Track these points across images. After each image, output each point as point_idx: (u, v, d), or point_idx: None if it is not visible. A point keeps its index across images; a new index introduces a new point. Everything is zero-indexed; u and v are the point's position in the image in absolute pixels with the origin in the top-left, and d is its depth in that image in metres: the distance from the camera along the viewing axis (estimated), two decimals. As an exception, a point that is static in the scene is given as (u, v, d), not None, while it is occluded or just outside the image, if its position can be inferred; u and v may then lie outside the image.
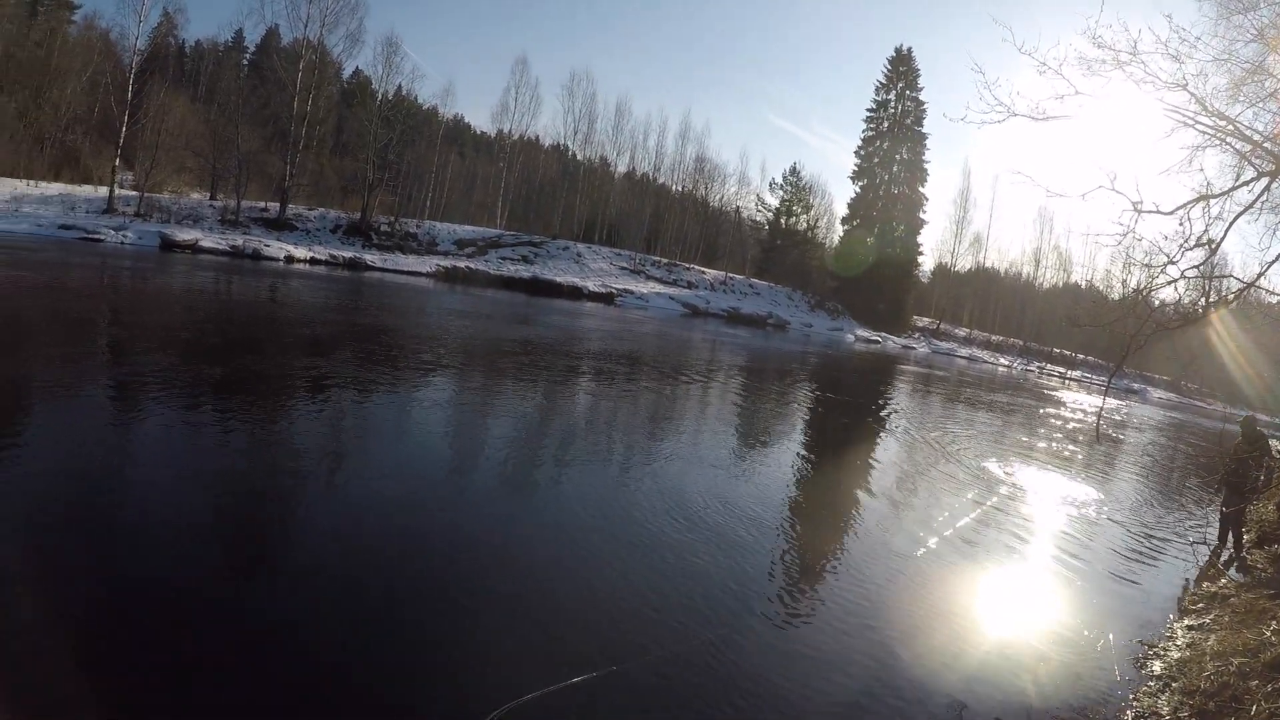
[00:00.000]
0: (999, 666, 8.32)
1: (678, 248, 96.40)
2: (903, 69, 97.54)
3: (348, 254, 55.65)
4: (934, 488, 16.63)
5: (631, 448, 15.20)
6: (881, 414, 28.00)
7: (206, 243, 47.96)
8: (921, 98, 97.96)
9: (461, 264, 61.74)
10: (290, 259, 50.38)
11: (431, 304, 36.35)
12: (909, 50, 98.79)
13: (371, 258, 56.73)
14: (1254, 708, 7.33)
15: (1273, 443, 17.28)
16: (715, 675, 6.89)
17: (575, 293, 63.05)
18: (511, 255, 69.38)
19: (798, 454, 17.85)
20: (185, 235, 47.81)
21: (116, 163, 55.14)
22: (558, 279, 64.52)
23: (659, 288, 74.23)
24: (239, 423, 12.30)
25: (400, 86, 78.59)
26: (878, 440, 20.66)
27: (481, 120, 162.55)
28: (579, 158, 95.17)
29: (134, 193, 54.61)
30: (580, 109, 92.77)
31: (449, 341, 22.62)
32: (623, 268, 76.61)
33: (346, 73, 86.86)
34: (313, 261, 51.69)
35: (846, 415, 25.96)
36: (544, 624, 7.25)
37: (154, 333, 18.81)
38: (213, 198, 63.53)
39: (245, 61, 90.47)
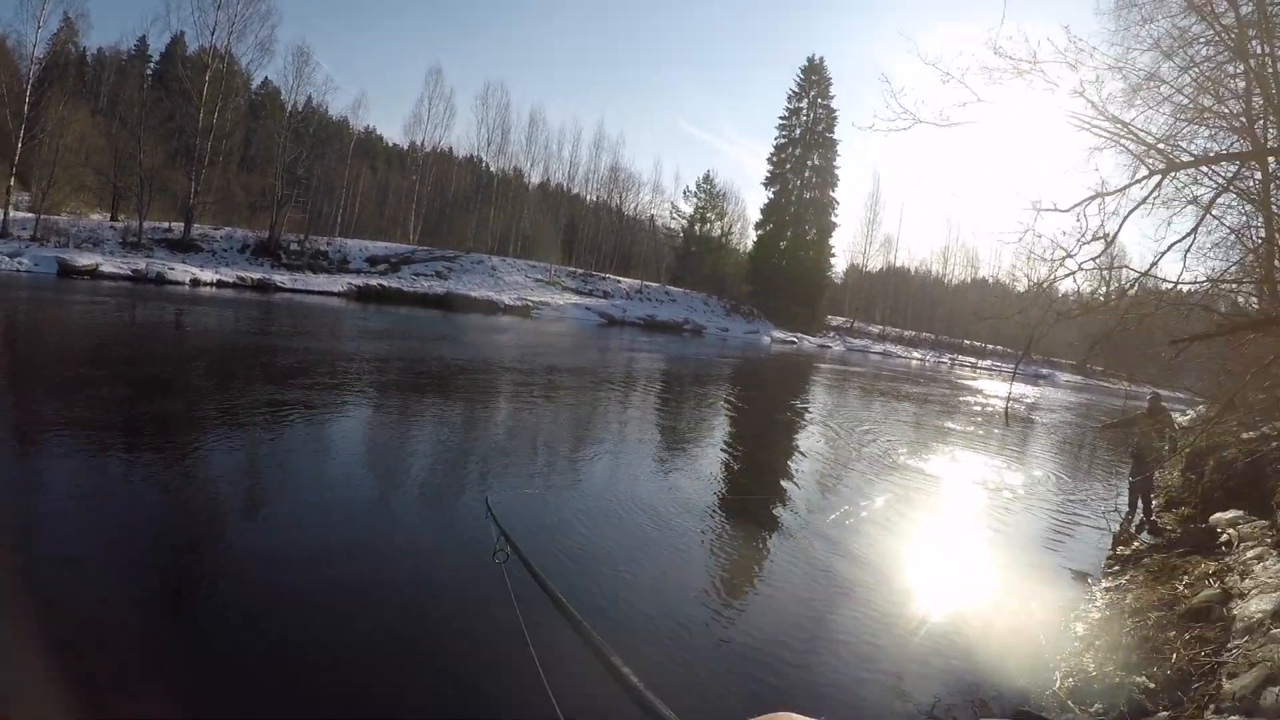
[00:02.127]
0: (930, 641, 8.54)
1: (593, 258, 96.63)
2: (815, 78, 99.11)
3: (256, 275, 54.07)
4: (857, 476, 16.98)
5: (554, 461, 15.03)
6: (802, 410, 28.37)
7: (107, 267, 46.54)
8: (833, 106, 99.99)
9: (374, 282, 60.68)
10: (196, 282, 48.90)
11: (343, 326, 35.45)
12: (821, 60, 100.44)
13: (281, 278, 55.26)
14: (1174, 656, 7.77)
15: (1175, 416, 18.04)
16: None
17: (491, 307, 62.74)
18: (425, 271, 68.63)
19: (722, 454, 17.93)
20: (84, 260, 46.20)
21: (11, 183, 52.04)
22: (473, 294, 64.05)
23: (575, 298, 74.39)
24: (142, 472, 10.95)
25: (311, 98, 76.12)
26: (800, 436, 20.95)
27: (394, 132, 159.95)
28: (493, 169, 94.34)
29: (30, 215, 52.34)
30: (494, 120, 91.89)
31: (363, 367, 22.10)
32: (538, 280, 76.40)
33: (255, 83, 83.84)
34: (220, 285, 50.23)
35: (767, 414, 26.24)
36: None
37: (43, 370, 17.90)
38: (113, 218, 61.35)
39: (149, 71, 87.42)
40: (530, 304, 66.04)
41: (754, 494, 14.47)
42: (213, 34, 63.41)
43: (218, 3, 63.16)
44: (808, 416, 26.47)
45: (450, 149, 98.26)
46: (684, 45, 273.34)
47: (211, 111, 62.26)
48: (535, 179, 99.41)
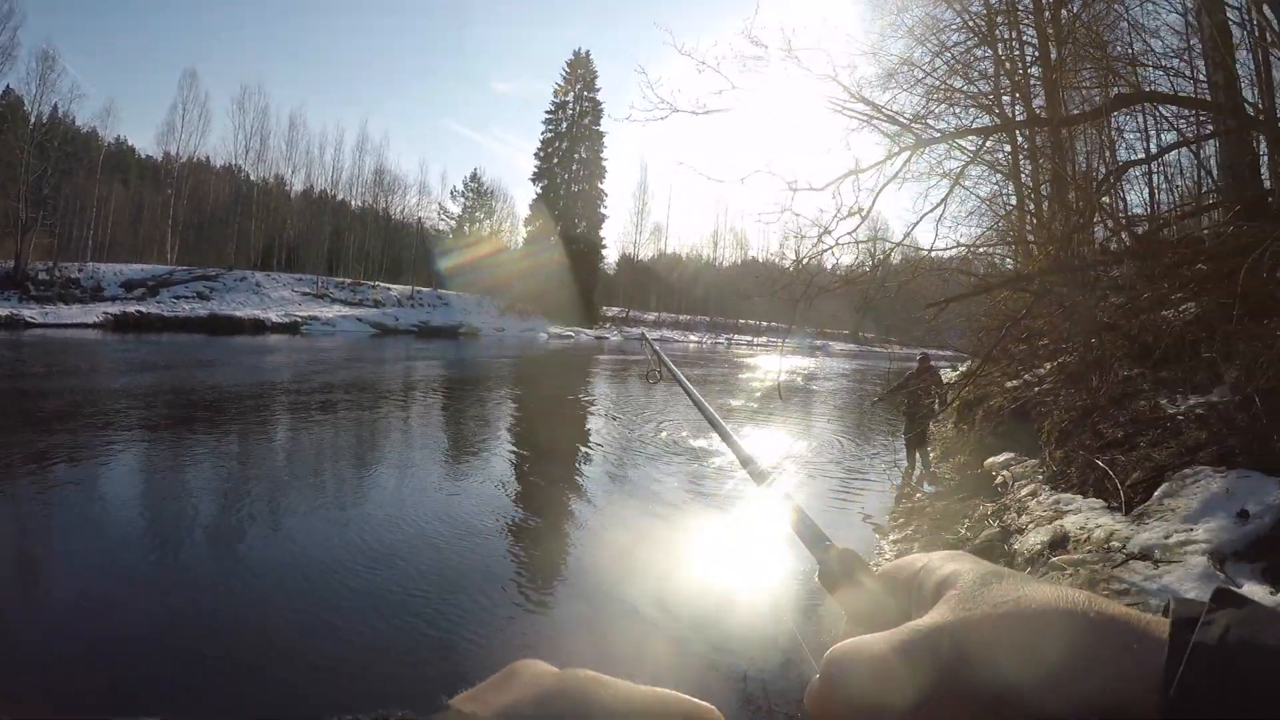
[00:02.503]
0: (737, 606, 8.81)
1: (361, 266, 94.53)
2: (580, 71, 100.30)
3: (2, 311, 49.71)
4: (645, 461, 17.19)
5: (341, 487, 14.64)
6: (585, 404, 28.69)
7: None
8: (599, 98, 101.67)
9: (132, 309, 57.53)
10: None
11: (102, 361, 33.13)
12: (586, 53, 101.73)
13: (30, 313, 51.33)
14: None
15: (945, 372, 19.05)
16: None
17: (258, 326, 60.76)
18: (185, 293, 65.91)
19: (509, 456, 17.74)
20: None
21: None
22: (238, 314, 61.91)
23: (345, 310, 73.01)
24: None
25: (57, 107, 70.87)
26: (585, 429, 20.99)
27: (146, 142, 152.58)
28: (252, 178, 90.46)
29: None
30: (252, 125, 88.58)
31: (129, 404, 20.75)
32: (305, 293, 74.83)
33: None
34: None
35: (551, 410, 26.20)
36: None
37: None
38: None
39: None
40: (299, 320, 64.42)
41: (545, 490, 14.52)
42: (-55, 39, 58.02)
43: (-50, 4, 58.24)
44: (591, 409, 26.66)
45: (207, 158, 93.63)
46: (448, 44, 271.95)
47: (-58, 126, 56.61)
48: (298, 186, 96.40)
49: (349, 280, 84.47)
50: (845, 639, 0.64)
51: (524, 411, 25.59)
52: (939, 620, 0.57)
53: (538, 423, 22.86)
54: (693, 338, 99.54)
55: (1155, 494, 8.45)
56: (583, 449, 18.54)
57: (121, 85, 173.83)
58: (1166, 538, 7.33)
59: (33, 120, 67.92)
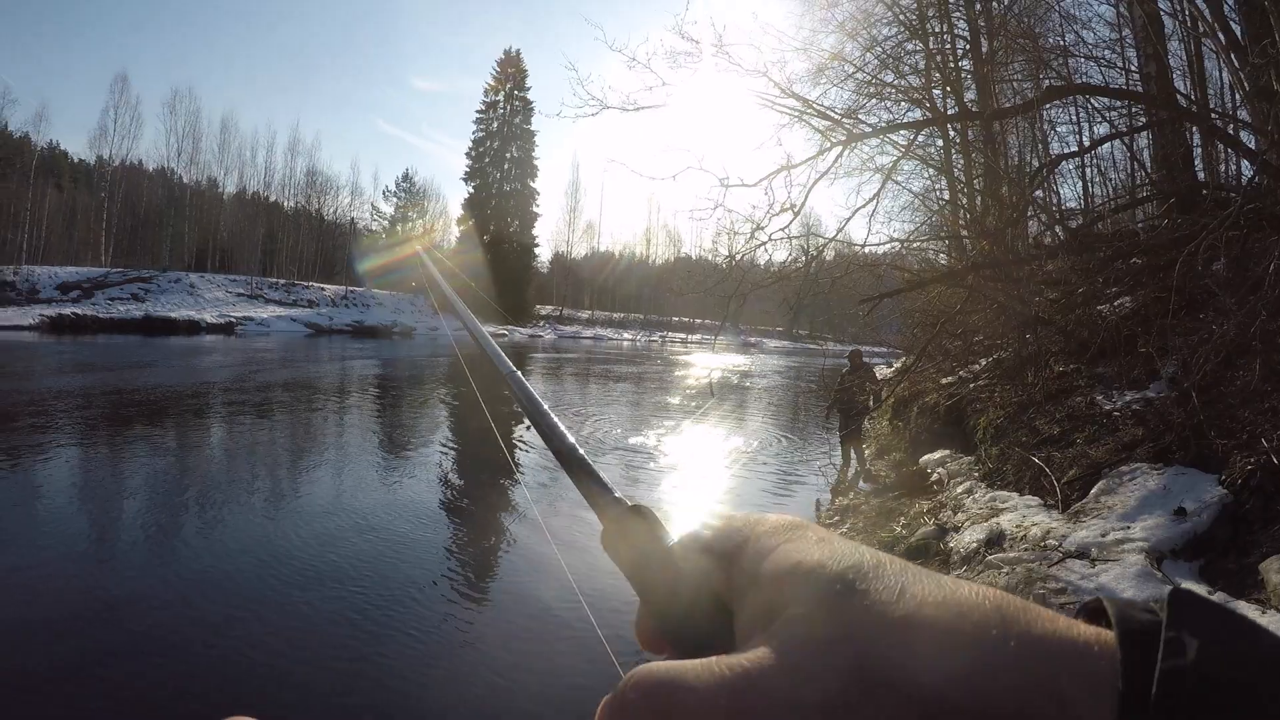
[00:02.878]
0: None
1: (295, 266, 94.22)
2: (511, 70, 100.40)
3: None
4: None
5: (278, 490, 14.37)
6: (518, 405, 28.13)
7: None
8: (530, 97, 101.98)
9: (68, 311, 56.42)
10: None
11: (38, 363, 32.92)
12: (517, 52, 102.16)
13: None
14: None
15: (877, 370, 19.07)
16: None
17: (193, 327, 59.70)
18: (120, 295, 64.75)
19: (446, 455, 17.51)
20: None
21: None
22: (173, 315, 60.71)
23: (280, 310, 72.27)
24: None
25: None
26: (520, 429, 20.86)
27: (79, 146, 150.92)
28: (185, 180, 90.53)
29: None
30: (184, 128, 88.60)
31: (66, 405, 20.62)
32: (240, 294, 73.86)
33: None
34: None
35: (486, 409, 25.91)
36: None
37: None
38: None
39: None
40: (234, 320, 63.43)
41: (482, 490, 14.39)
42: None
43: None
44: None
45: (140, 161, 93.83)
46: (378, 42, 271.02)
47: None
48: (230, 188, 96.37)
49: (283, 281, 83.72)
50: (645, 632, 0.59)
51: (462, 412, 25.36)
52: (783, 664, 0.43)
53: (476, 424, 22.63)
54: (627, 335, 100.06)
55: (1092, 491, 8.45)
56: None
57: (53, 90, 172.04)
58: (1103, 535, 7.31)
59: (-36, 126, 66.43)
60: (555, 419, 0.86)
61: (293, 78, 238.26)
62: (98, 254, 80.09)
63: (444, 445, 18.91)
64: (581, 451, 0.79)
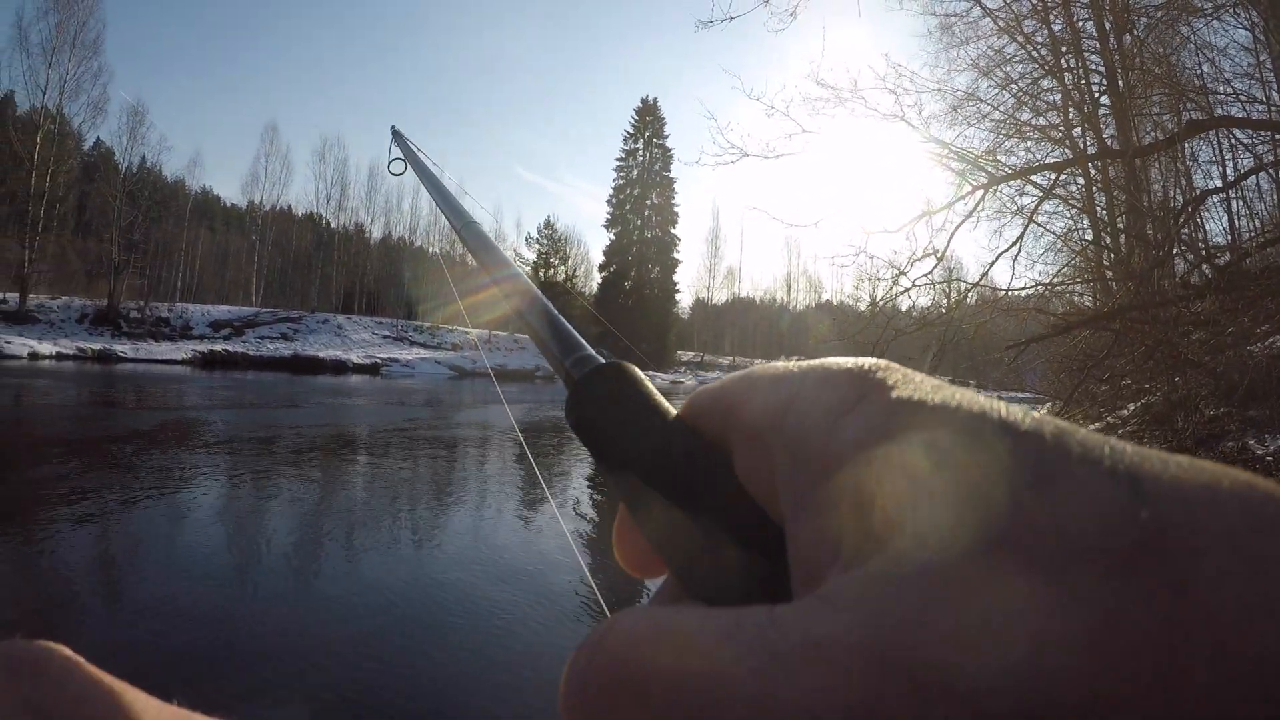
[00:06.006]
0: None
1: (440, 310, 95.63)
2: (649, 118, 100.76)
3: (97, 346, 51.70)
4: None
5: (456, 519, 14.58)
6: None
7: (-64, 344, 44.03)
8: (668, 145, 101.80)
9: (219, 347, 58.48)
10: (35, 356, 46.21)
11: (189, 396, 33.57)
12: (654, 100, 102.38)
13: (123, 348, 52.77)
14: None
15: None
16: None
17: (340, 367, 61.30)
18: (270, 334, 67.00)
19: (577, 508, 17.56)
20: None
21: None
22: (320, 354, 62.30)
23: (424, 353, 73.59)
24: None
25: (145, 158, 73.72)
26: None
27: (231, 192, 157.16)
28: (333, 225, 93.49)
29: None
30: (332, 175, 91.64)
31: (215, 440, 21.10)
32: (385, 336, 75.74)
33: (87, 144, 79.91)
34: (60, 357, 47.57)
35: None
36: None
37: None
38: (-61, 291, 57.50)
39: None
40: (379, 361, 65.02)
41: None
42: (44, 93, 61.33)
43: (48, 60, 61.03)
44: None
45: (289, 206, 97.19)
46: (519, 93, 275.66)
47: (44, 175, 59.74)
48: (377, 233, 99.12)
49: (428, 324, 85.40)
50: (628, 545, 0.45)
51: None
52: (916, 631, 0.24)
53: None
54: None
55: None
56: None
57: (206, 138, 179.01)
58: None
59: (124, 170, 70.90)
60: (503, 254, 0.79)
61: (434, 124, 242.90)
62: (249, 294, 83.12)
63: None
64: (540, 293, 0.69)
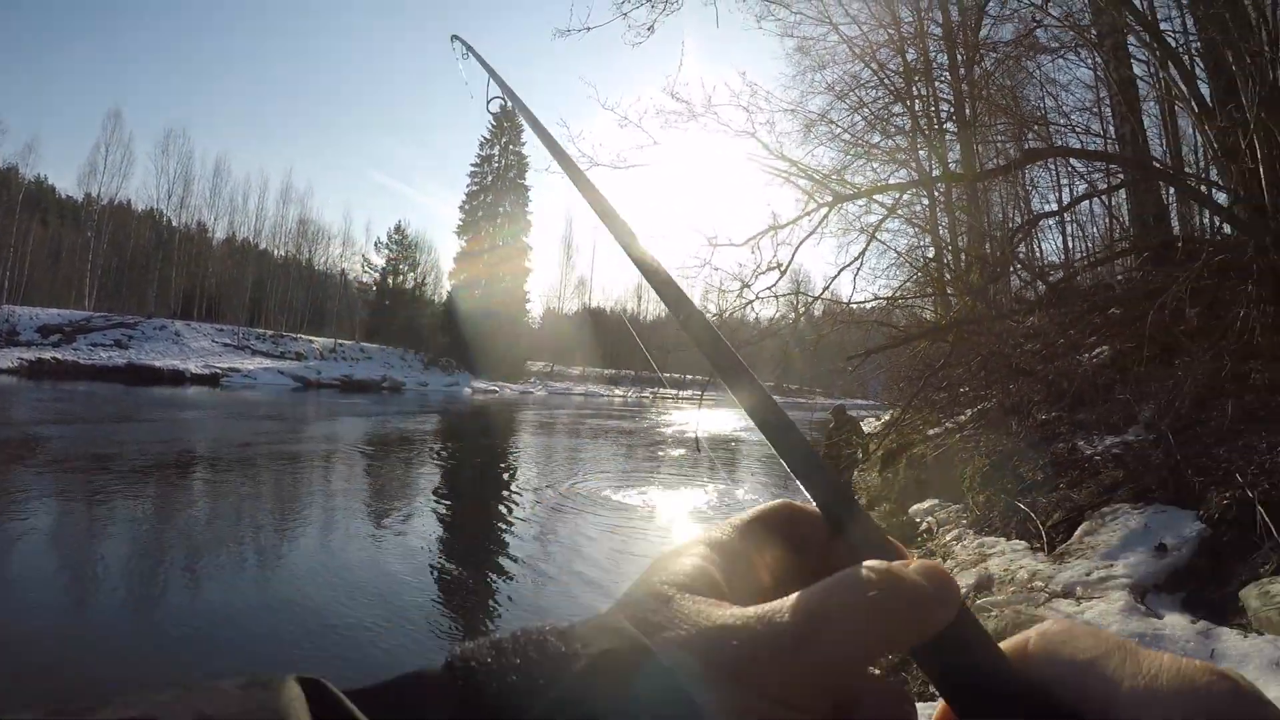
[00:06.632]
0: None
1: (284, 317, 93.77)
2: (506, 124, 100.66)
3: None
4: (571, 521, 16.65)
5: (267, 545, 14.20)
6: (511, 460, 28.24)
7: None
8: (524, 152, 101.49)
9: (48, 355, 56.25)
10: None
11: (16, 410, 31.65)
12: (513, 107, 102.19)
13: None
14: None
15: (864, 423, 19.33)
16: None
17: (178, 377, 59.20)
18: (104, 340, 64.62)
19: (440, 515, 17.31)
20: None
21: None
22: (157, 363, 60.41)
23: (266, 362, 71.93)
24: None
25: None
26: (513, 486, 20.65)
27: (68, 183, 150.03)
28: (174, 224, 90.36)
29: None
30: (176, 169, 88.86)
31: (47, 459, 20.18)
32: (226, 344, 73.78)
33: None
34: None
35: (478, 467, 25.78)
36: None
37: None
38: None
39: None
40: (220, 371, 63.17)
41: (474, 555, 14.32)
42: None
43: None
44: (517, 465, 26.38)
45: (129, 201, 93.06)
46: (372, 92, 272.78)
47: None
48: (220, 234, 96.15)
49: (270, 332, 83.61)
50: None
51: (453, 471, 25.28)
52: None
53: (469, 482, 22.60)
54: (618, 392, 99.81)
55: (1076, 533, 8.65)
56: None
57: (45, 123, 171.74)
58: (1088, 574, 7.49)
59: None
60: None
61: (287, 123, 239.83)
62: (81, 295, 79.52)
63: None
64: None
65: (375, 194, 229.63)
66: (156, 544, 12.78)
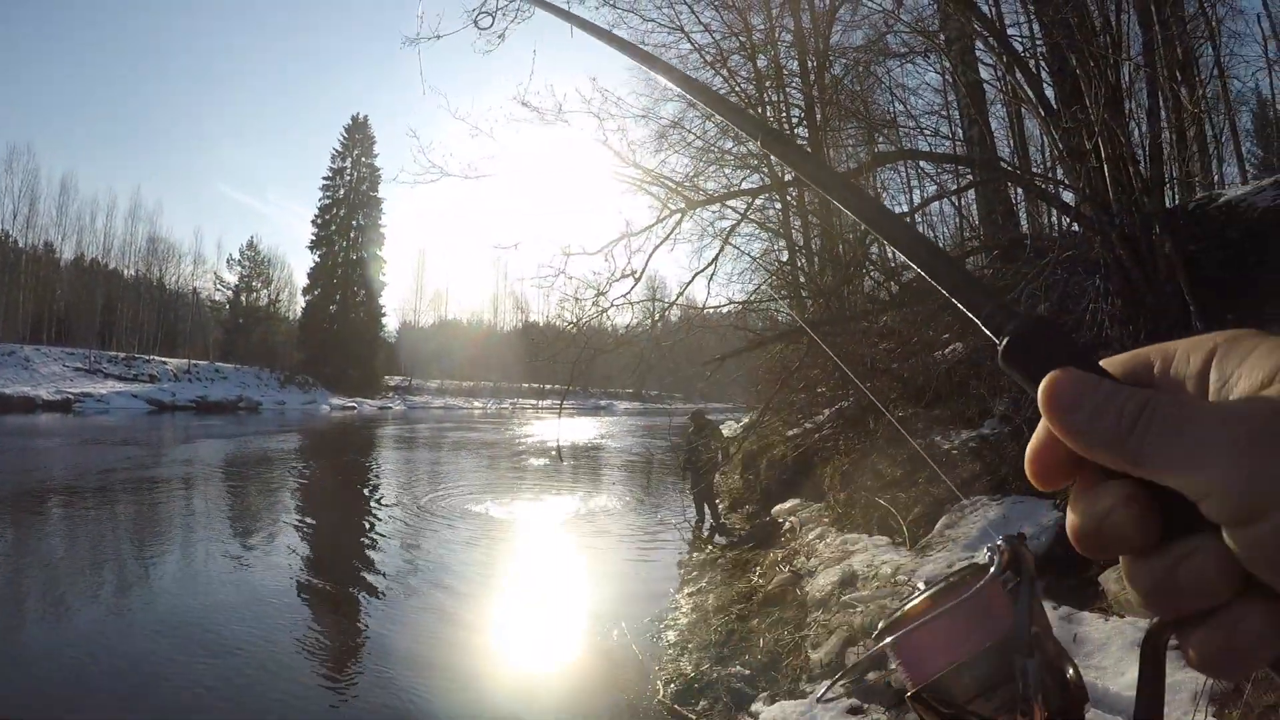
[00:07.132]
0: (533, 680, 8.50)
1: (136, 338, 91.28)
2: (359, 136, 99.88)
3: None
4: (431, 535, 16.36)
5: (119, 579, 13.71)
6: (372, 476, 27.82)
7: None
8: (377, 164, 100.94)
9: None
10: None
11: None
12: (365, 118, 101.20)
13: None
14: (761, 641, 8.55)
15: (721, 427, 19.43)
16: None
17: (28, 404, 57.07)
18: (-54, 369, 61.86)
19: (300, 538, 16.81)
20: None
21: None
22: (6, 390, 57.99)
23: (119, 385, 69.86)
24: None
25: None
26: (374, 503, 20.33)
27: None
28: (20, 244, 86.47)
29: None
30: (20, 187, 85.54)
31: None
32: (78, 368, 71.36)
33: None
34: None
35: (337, 486, 25.20)
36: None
37: None
38: None
39: None
40: (72, 397, 61.07)
41: (342, 572, 14.03)
42: None
43: None
44: (378, 481, 26.04)
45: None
46: (222, 104, 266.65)
47: None
48: (68, 254, 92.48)
49: (123, 354, 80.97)
50: (1039, 464, 0.53)
51: (313, 491, 24.77)
52: None
53: (328, 502, 22.15)
54: (477, 404, 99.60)
55: (937, 526, 8.83)
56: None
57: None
58: (950, 566, 7.62)
59: None
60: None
61: (134, 137, 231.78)
62: (-80, 326, 75.59)
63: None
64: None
65: (227, 209, 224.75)
66: (10, 580, 12.32)
